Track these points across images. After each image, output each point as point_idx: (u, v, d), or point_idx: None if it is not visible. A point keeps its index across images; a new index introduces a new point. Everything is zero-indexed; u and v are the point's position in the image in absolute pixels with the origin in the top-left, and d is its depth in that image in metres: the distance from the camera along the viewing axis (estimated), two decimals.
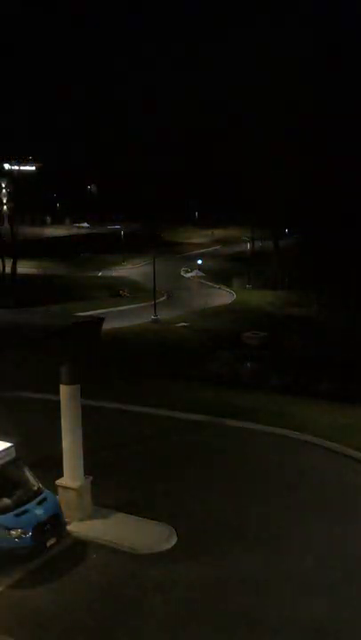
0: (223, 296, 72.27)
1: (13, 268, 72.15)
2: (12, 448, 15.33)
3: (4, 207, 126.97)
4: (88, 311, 49.12)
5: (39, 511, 14.34)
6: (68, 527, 15.58)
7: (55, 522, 14.62)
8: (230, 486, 18.41)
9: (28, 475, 15.24)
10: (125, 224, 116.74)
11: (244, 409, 25.13)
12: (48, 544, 14.31)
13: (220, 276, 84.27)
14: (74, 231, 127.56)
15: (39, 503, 14.56)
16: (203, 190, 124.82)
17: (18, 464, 15.28)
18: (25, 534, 13.80)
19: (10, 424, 19.75)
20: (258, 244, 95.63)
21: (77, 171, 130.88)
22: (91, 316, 21.65)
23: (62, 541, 14.94)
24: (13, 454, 15.28)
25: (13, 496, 14.46)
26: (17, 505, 14.27)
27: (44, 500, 14.76)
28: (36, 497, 14.71)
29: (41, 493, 14.91)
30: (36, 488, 14.98)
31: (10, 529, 13.76)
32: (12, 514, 14.01)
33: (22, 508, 14.23)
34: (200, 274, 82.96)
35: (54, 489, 16.09)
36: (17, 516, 14.02)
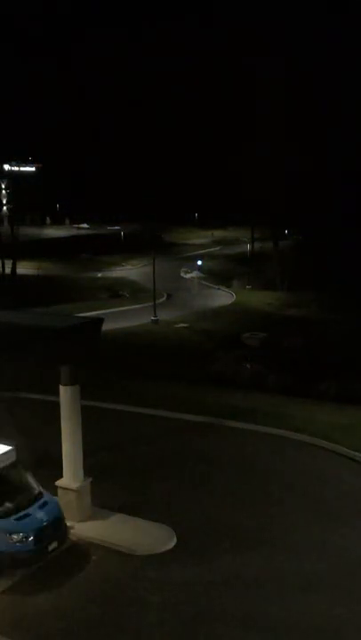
0: (223, 297, 72.27)
1: (13, 268, 72.26)
2: (13, 451, 15.21)
3: (4, 208, 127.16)
4: (88, 312, 49.10)
5: (40, 515, 14.19)
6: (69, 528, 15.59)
7: (57, 525, 14.48)
8: (230, 487, 18.39)
9: (29, 478, 15.13)
10: (125, 225, 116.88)
11: (243, 410, 25.10)
12: (50, 548, 14.17)
13: (220, 277, 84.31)
14: (73, 232, 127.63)
15: (40, 507, 14.42)
16: (203, 191, 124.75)
17: (18, 467, 15.17)
18: (26, 539, 13.65)
19: (10, 425, 19.74)
20: (258, 244, 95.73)
21: (77, 171, 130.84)
22: (90, 317, 21.64)
23: (62, 544, 14.90)
24: (14, 457, 15.15)
25: (14, 500, 14.30)
26: (18, 509, 14.13)
27: (46, 503, 14.63)
28: (37, 500, 14.56)
29: (42, 497, 14.79)
30: (37, 491, 14.85)
31: (11, 533, 13.61)
32: (12, 518, 13.87)
33: (23, 512, 14.09)
34: (200, 274, 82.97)
35: (54, 490, 16.10)
36: (18, 520, 13.88)
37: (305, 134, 76.17)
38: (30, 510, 14.22)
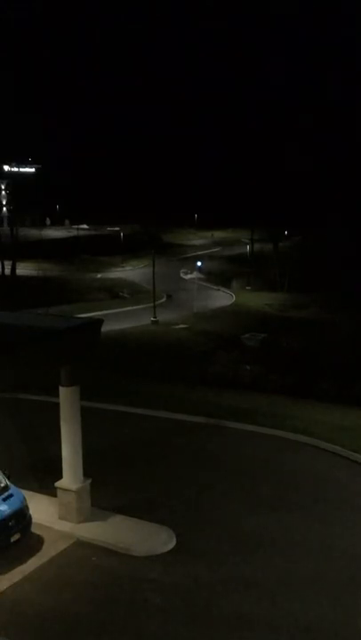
0: (223, 298, 72.38)
1: (13, 269, 72.31)
2: None
3: (4, 209, 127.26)
4: (87, 313, 49.16)
5: (3, 507, 14.38)
6: (68, 529, 15.58)
7: (19, 518, 14.61)
8: (230, 488, 18.38)
9: None
10: (124, 226, 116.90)
11: (243, 411, 25.11)
12: (12, 540, 14.32)
13: (220, 278, 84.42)
14: (73, 232, 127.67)
15: (4, 500, 14.61)
16: (203, 191, 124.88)
17: None
18: None
19: (10, 425, 19.72)
20: (257, 245, 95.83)
21: (77, 172, 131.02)
22: (90, 318, 21.61)
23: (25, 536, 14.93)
24: None
25: None
26: None
27: (10, 496, 14.82)
28: (2, 494, 14.76)
29: (7, 490, 14.96)
30: (3, 485, 15.06)
31: None
32: None
33: None
34: (199, 275, 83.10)
35: (54, 491, 16.10)
36: None
37: (305, 134, 76.26)
38: None
